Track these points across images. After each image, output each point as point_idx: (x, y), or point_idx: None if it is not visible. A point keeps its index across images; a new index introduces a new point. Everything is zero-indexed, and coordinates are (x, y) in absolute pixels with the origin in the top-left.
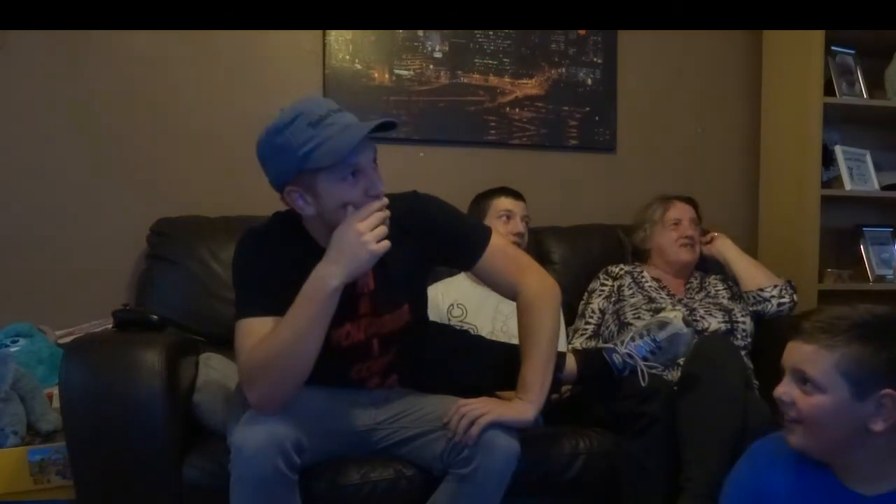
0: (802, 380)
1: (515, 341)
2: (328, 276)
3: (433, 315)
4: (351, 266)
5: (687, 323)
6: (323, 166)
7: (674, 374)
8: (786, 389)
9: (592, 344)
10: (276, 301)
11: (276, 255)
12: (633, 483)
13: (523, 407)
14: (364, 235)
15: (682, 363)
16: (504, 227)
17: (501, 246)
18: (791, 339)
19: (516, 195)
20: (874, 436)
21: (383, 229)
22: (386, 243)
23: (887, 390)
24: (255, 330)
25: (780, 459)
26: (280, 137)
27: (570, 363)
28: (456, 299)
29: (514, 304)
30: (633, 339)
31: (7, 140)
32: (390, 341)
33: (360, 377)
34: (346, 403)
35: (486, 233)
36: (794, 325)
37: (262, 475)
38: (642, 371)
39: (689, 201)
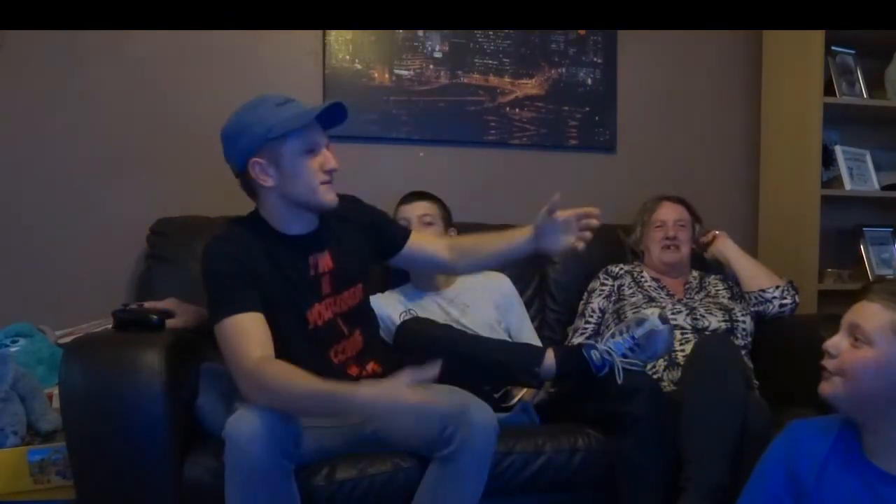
0: (854, 333)
1: None
2: (352, 409)
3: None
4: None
5: (664, 320)
6: (289, 131)
7: (673, 374)
8: (835, 341)
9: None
10: (254, 296)
11: (244, 252)
12: (625, 482)
13: None
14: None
15: (682, 363)
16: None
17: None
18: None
19: (414, 198)
20: None
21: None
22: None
23: None
24: (246, 327)
25: (815, 437)
26: (250, 114)
27: (549, 359)
28: (409, 310)
29: (460, 306)
30: (612, 336)
31: (7, 140)
32: (352, 320)
33: (339, 360)
34: None
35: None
36: (795, 325)
37: (256, 462)
38: (618, 368)
39: (681, 202)
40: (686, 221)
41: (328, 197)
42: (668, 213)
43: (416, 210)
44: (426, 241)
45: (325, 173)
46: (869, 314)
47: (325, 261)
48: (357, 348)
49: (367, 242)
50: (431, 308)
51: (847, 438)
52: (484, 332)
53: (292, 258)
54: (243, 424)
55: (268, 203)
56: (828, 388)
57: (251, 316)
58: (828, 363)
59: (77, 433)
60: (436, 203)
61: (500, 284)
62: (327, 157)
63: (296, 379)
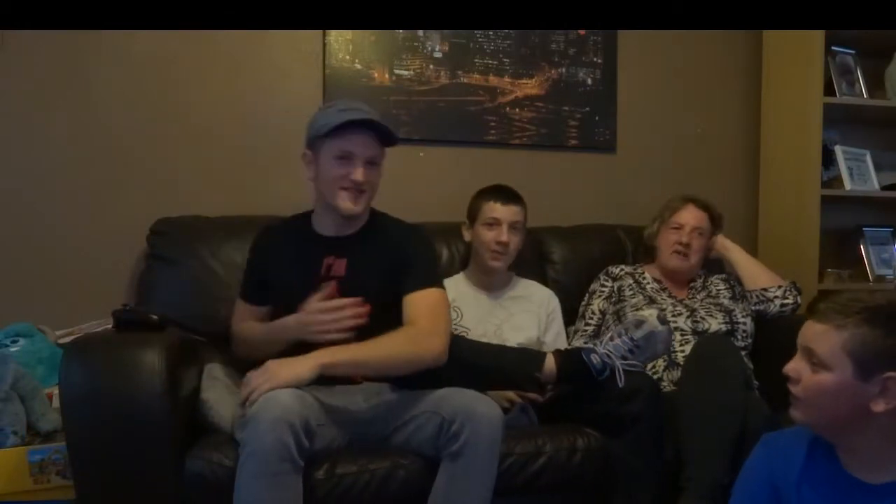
0: (811, 357)
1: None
2: (289, 332)
3: None
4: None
5: (662, 320)
6: (320, 134)
7: (673, 374)
8: (795, 366)
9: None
10: (262, 294)
11: (272, 246)
12: (621, 483)
13: (300, 363)
14: (316, 326)
15: (682, 363)
16: (488, 233)
17: (435, 302)
18: (807, 318)
19: (507, 199)
20: (875, 417)
21: (341, 325)
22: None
23: (890, 373)
24: (241, 310)
25: (791, 449)
26: (316, 115)
27: (550, 363)
28: (453, 301)
29: (509, 310)
30: (611, 339)
31: (7, 140)
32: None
33: None
34: (341, 399)
35: (433, 282)
36: (795, 325)
37: (272, 447)
38: (619, 371)
39: (706, 208)
40: (705, 230)
41: (345, 204)
42: (690, 217)
43: (510, 215)
44: (411, 308)
45: (349, 181)
46: (820, 337)
47: (339, 267)
48: None
49: (390, 274)
50: (480, 303)
51: (823, 448)
52: (516, 341)
53: (310, 254)
54: (266, 410)
55: (314, 196)
56: (798, 415)
57: (248, 307)
58: (792, 388)
59: (77, 433)
60: (524, 207)
61: (549, 301)
62: (356, 168)
63: (254, 327)
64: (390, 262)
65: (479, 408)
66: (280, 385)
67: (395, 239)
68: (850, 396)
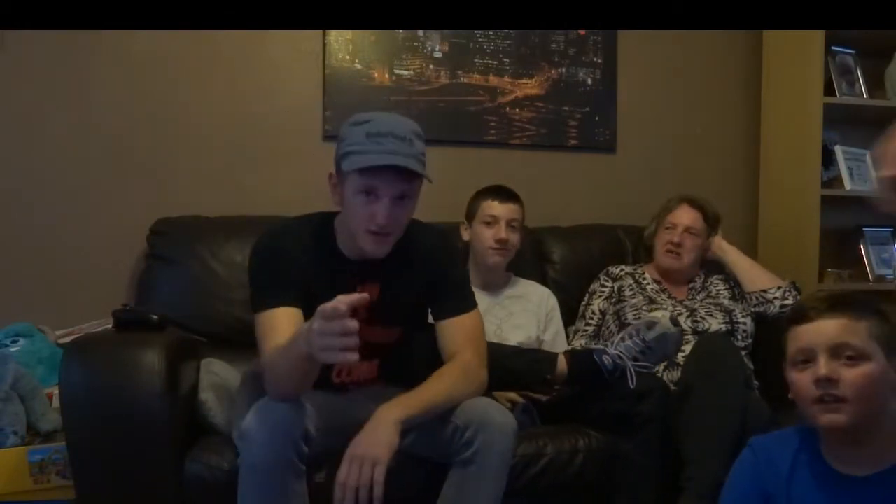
0: (842, 353)
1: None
2: (303, 341)
3: None
4: (310, 350)
5: (674, 322)
6: (345, 171)
7: (673, 374)
8: (833, 367)
9: (593, 345)
10: (293, 291)
11: (295, 253)
12: (628, 483)
13: (381, 433)
14: (318, 338)
15: (681, 363)
16: (487, 231)
17: (474, 329)
18: (799, 323)
19: (505, 197)
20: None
21: (343, 342)
22: (339, 356)
23: None
24: (274, 324)
25: (778, 452)
26: (346, 130)
27: (561, 364)
28: None
29: (509, 309)
30: (622, 339)
31: (7, 140)
32: (375, 351)
33: (342, 381)
34: (346, 400)
35: (469, 305)
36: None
37: (271, 462)
38: (631, 373)
39: (700, 208)
40: (698, 230)
41: (369, 247)
42: (683, 216)
43: (509, 213)
44: (452, 337)
45: (373, 223)
46: (850, 330)
47: (372, 291)
48: (367, 376)
49: (423, 294)
50: (479, 303)
51: (809, 449)
52: (516, 340)
53: (341, 277)
54: (259, 423)
55: (339, 227)
56: (841, 418)
57: (283, 311)
58: (834, 391)
59: (77, 433)
60: (522, 206)
61: (548, 300)
62: (380, 208)
63: (275, 351)
64: (423, 282)
65: (494, 416)
66: (386, 462)
67: (428, 255)
68: (887, 381)
